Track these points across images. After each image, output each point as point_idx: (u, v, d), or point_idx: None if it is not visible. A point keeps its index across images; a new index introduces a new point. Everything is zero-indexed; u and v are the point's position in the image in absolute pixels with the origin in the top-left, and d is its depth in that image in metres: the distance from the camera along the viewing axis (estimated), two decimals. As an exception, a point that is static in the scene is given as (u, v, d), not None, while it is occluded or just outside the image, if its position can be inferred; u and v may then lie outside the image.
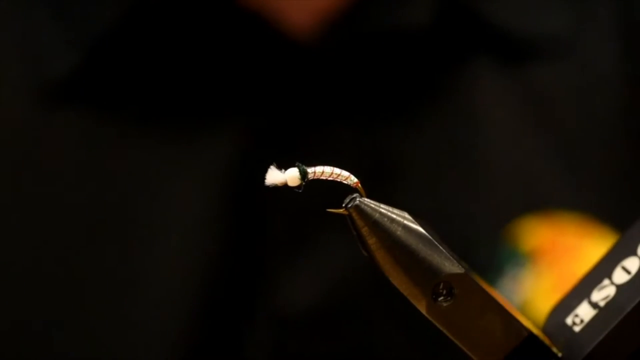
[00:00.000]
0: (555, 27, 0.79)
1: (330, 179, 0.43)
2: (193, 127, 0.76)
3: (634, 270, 0.45)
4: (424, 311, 0.43)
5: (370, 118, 0.77)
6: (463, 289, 0.43)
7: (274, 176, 0.43)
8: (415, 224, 0.43)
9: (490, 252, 0.75)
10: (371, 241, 0.43)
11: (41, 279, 0.75)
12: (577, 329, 0.46)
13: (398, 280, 0.43)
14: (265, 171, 0.73)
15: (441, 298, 0.43)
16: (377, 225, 0.43)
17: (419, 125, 0.77)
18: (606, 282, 0.46)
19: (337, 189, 0.65)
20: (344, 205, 0.43)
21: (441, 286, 0.43)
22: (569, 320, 0.46)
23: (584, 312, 0.46)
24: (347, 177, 0.44)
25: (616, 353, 0.44)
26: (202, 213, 0.75)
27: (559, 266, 0.74)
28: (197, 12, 0.75)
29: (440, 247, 0.43)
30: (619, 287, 0.45)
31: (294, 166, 0.43)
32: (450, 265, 0.43)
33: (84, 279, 0.74)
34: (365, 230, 0.43)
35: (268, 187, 0.73)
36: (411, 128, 0.77)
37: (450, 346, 0.74)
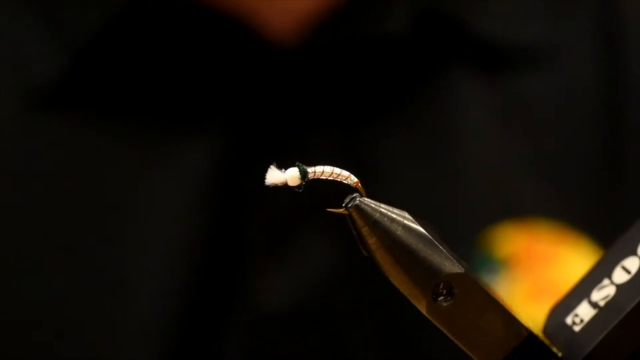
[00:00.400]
0: (535, 35, 0.79)
1: (331, 178, 0.43)
2: (175, 131, 0.77)
3: (634, 270, 0.45)
4: (424, 311, 0.43)
5: (350, 123, 0.77)
6: (463, 289, 0.43)
7: (274, 176, 0.43)
8: (416, 224, 0.43)
9: (465, 258, 0.75)
10: (371, 241, 0.43)
11: (22, 280, 0.75)
12: (577, 328, 0.46)
13: (398, 280, 0.43)
14: (246, 174, 0.76)
15: (441, 298, 0.43)
16: (377, 225, 0.43)
17: (397, 131, 0.78)
18: (606, 281, 0.46)
19: (319, 190, 0.67)
20: (344, 205, 0.43)
21: (441, 286, 0.43)
22: (568, 320, 0.46)
23: (584, 312, 0.46)
24: (347, 176, 0.44)
25: (616, 352, 0.44)
26: (184, 214, 0.76)
27: (533, 273, 0.74)
28: (179, 17, 0.76)
29: (441, 247, 0.43)
30: (619, 287, 0.45)
31: (294, 166, 0.43)
32: (451, 265, 0.43)
33: (63, 280, 0.75)
34: (365, 230, 0.43)
35: (251, 188, 0.75)
36: (390, 134, 0.78)
37: (427, 347, 0.75)
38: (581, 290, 0.47)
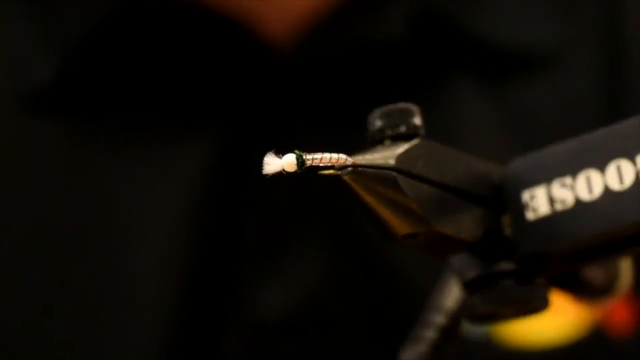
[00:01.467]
0: (539, 39, 0.80)
1: (329, 164, 0.42)
2: (170, 133, 0.77)
3: (599, 191, 0.47)
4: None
5: (347, 128, 0.72)
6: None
7: (271, 162, 0.41)
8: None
9: None
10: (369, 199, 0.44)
11: (17, 285, 0.76)
12: (529, 216, 0.48)
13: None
14: (241, 179, 0.71)
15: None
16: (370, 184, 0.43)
17: None
18: (569, 180, 0.48)
19: (313, 198, 0.57)
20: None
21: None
22: (525, 196, 0.49)
23: (540, 203, 0.48)
24: (345, 159, 0.42)
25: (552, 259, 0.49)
26: (178, 220, 0.76)
27: None
28: (175, 18, 0.76)
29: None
30: (580, 203, 0.47)
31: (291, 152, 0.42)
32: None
33: (57, 287, 0.76)
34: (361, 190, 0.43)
35: (246, 194, 0.63)
36: None
37: None
38: (546, 168, 0.48)
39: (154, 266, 0.76)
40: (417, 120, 0.45)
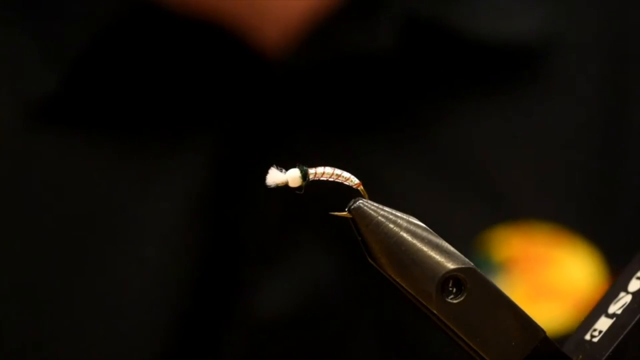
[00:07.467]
0: (528, 28, 0.78)
1: (332, 179, 0.42)
2: (170, 140, 0.78)
3: (649, 278, 0.44)
4: (434, 309, 0.41)
5: (339, 135, 0.78)
6: (473, 285, 0.41)
7: (275, 177, 0.42)
8: (419, 223, 0.42)
9: None
10: (374, 243, 0.42)
11: (22, 286, 0.77)
12: (595, 340, 0.43)
13: (405, 280, 0.41)
14: (241, 181, 0.78)
15: (451, 296, 0.41)
16: (380, 226, 0.42)
17: (391, 143, 0.79)
18: (622, 294, 0.44)
19: (315, 195, 0.67)
20: (347, 209, 0.42)
21: (450, 283, 0.41)
22: (587, 337, 0.44)
23: (602, 324, 0.44)
24: (348, 178, 0.43)
25: (636, 353, 0.42)
26: (181, 220, 0.77)
27: (531, 275, 0.74)
28: (170, 29, 0.78)
29: (447, 245, 0.42)
30: (634, 294, 0.44)
31: (294, 167, 0.42)
32: (458, 260, 0.41)
33: (63, 287, 0.76)
34: (367, 232, 0.42)
35: (246, 195, 0.76)
36: (384, 145, 0.79)
37: (424, 350, 0.73)
38: (598, 308, 0.45)
39: (157, 265, 0.76)
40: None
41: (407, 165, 0.78)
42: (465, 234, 0.76)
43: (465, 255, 0.75)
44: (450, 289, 0.41)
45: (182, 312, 0.75)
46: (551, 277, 0.72)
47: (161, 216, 0.77)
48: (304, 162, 0.75)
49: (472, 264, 0.42)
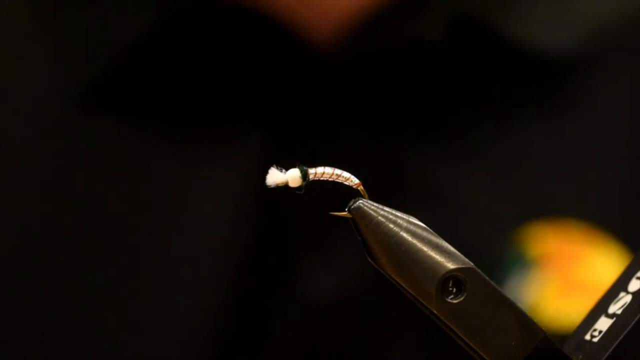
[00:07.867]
0: (568, 40, 0.78)
1: (332, 179, 0.42)
2: (220, 131, 0.79)
3: (649, 278, 0.44)
4: (434, 308, 0.41)
5: (389, 130, 0.79)
6: (473, 285, 0.41)
7: (275, 177, 0.42)
8: (419, 223, 0.42)
9: (497, 256, 0.77)
10: (374, 243, 0.42)
11: (69, 276, 0.77)
12: (595, 340, 0.43)
13: (404, 279, 0.41)
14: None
15: (451, 296, 0.41)
16: (380, 226, 0.42)
17: (432, 143, 0.79)
18: (622, 294, 0.44)
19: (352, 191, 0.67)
20: (347, 208, 0.42)
21: (450, 283, 0.41)
22: (587, 337, 0.44)
23: (602, 324, 0.44)
24: (348, 178, 0.43)
25: (637, 352, 0.42)
26: (230, 211, 0.78)
27: (563, 272, 0.75)
28: (222, 22, 0.78)
29: (447, 244, 0.42)
30: (635, 294, 0.44)
31: (294, 167, 0.42)
32: (458, 261, 0.41)
33: (113, 276, 0.77)
34: (367, 232, 0.42)
35: (273, 188, 0.75)
36: (424, 146, 0.79)
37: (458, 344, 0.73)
38: (598, 308, 0.45)
39: (206, 253, 0.77)
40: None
41: (448, 160, 0.79)
42: (504, 229, 0.77)
43: (500, 252, 0.78)
44: (450, 289, 0.41)
45: (232, 300, 0.76)
46: (583, 274, 0.72)
47: (212, 207, 0.78)
48: (353, 157, 0.77)
49: (472, 264, 0.41)
